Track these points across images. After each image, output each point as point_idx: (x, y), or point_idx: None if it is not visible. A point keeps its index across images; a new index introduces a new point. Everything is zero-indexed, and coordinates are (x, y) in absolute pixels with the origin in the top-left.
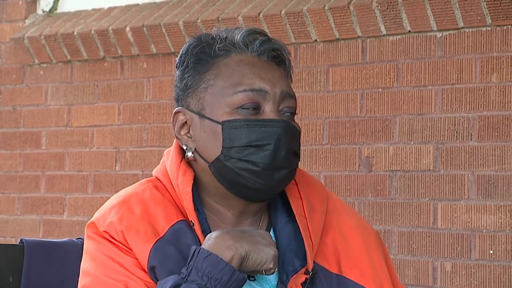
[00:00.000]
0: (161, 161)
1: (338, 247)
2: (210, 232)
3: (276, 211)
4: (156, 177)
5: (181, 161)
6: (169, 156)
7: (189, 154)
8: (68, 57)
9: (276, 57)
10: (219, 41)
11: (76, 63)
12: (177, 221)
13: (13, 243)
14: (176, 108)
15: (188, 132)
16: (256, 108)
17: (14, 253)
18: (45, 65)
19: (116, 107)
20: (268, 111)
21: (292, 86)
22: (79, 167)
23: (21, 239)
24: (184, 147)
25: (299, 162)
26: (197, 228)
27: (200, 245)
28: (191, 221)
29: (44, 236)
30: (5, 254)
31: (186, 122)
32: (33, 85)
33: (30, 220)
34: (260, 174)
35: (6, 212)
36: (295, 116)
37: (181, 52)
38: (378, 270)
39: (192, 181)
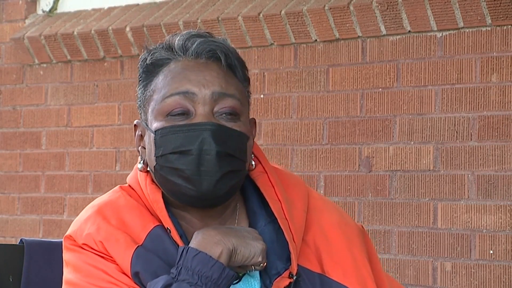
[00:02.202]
0: (134, 167)
1: (320, 245)
2: (185, 236)
3: (255, 215)
4: (129, 185)
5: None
6: None
7: (139, 166)
8: (68, 57)
9: (214, 57)
10: (160, 51)
11: (76, 63)
12: (154, 227)
13: (13, 243)
14: (135, 121)
15: (144, 144)
16: (186, 112)
17: (14, 253)
18: (45, 65)
19: (116, 107)
20: (199, 114)
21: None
22: (79, 167)
23: (21, 239)
24: (139, 159)
25: (243, 164)
26: (174, 233)
27: (188, 244)
28: (167, 228)
29: (44, 236)
30: (5, 254)
31: (141, 134)
32: (33, 85)
33: (30, 220)
34: (190, 180)
35: (6, 212)
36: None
37: None
38: (361, 268)
39: (160, 189)
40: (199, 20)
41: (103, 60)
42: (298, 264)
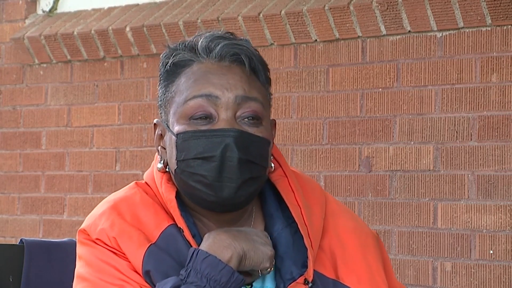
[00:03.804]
0: (151, 164)
1: (335, 251)
2: (200, 236)
3: (272, 219)
4: (146, 182)
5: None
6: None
7: (159, 166)
8: (68, 57)
9: (238, 60)
10: (183, 51)
11: (76, 63)
12: (168, 226)
13: (13, 243)
14: (154, 120)
15: (164, 144)
16: (209, 117)
17: (14, 253)
18: (45, 65)
19: (116, 107)
20: (222, 119)
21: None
22: (79, 167)
23: (21, 239)
24: (159, 158)
25: (263, 170)
26: (187, 234)
27: (199, 246)
28: (180, 228)
29: (44, 236)
30: (5, 254)
31: (161, 134)
32: (33, 85)
33: (30, 220)
34: (211, 186)
35: (6, 212)
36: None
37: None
38: (376, 275)
39: (175, 188)
40: (199, 20)
41: (103, 60)
42: (313, 270)
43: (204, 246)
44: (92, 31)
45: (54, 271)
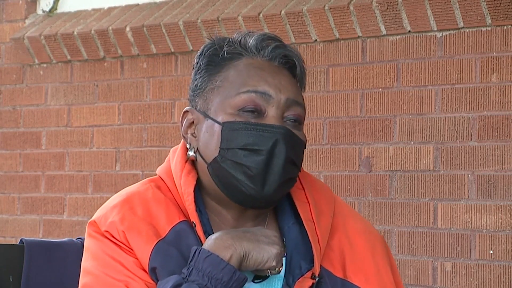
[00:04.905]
0: (166, 159)
1: (344, 250)
2: (213, 233)
3: (283, 215)
4: (160, 177)
5: (186, 161)
6: (175, 155)
7: (191, 153)
8: (68, 57)
9: (287, 63)
10: (232, 44)
11: (76, 63)
12: (179, 222)
13: (13, 243)
14: (186, 108)
15: (194, 131)
16: (258, 111)
17: (14, 253)
18: (45, 65)
19: (116, 107)
20: (271, 116)
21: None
22: (79, 167)
23: (21, 239)
24: (188, 146)
25: (298, 172)
26: (198, 229)
27: (202, 246)
28: (193, 222)
29: (44, 236)
30: (5, 254)
31: (193, 121)
32: (33, 85)
33: (30, 220)
34: (254, 178)
35: (6, 212)
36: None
37: (197, 54)
38: (384, 276)
39: (194, 182)
40: (199, 20)
41: (103, 60)
42: (322, 267)
43: (206, 246)
44: (92, 31)
45: (54, 271)
